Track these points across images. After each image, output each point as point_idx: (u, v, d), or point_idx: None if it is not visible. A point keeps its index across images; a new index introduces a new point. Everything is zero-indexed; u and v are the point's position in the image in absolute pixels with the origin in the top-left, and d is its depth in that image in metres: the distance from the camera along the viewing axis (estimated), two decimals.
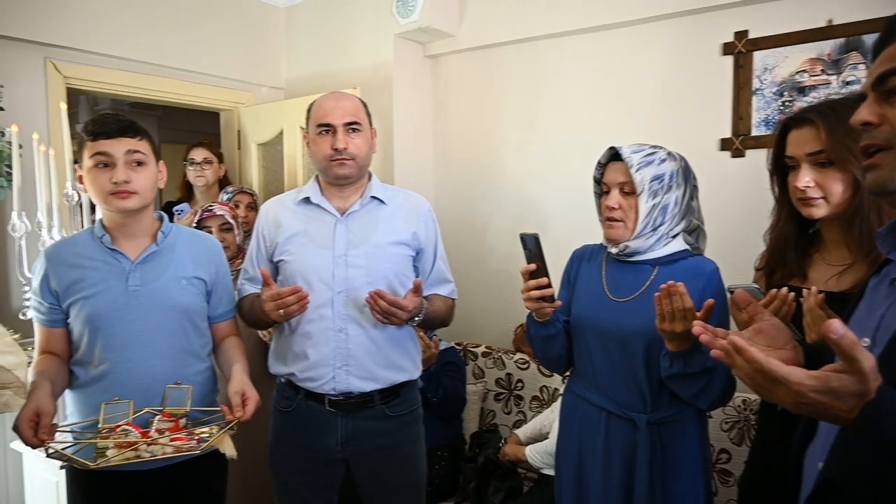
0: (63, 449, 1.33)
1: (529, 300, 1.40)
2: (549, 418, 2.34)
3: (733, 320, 1.26)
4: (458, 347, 2.76)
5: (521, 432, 2.41)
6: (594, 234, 1.62)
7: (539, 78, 2.80)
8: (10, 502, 2.32)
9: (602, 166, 1.50)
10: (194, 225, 2.13)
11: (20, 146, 2.16)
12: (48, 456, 1.33)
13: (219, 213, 2.18)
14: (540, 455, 2.09)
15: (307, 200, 1.69)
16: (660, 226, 1.42)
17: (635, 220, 1.42)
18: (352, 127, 1.64)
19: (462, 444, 2.58)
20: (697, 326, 0.89)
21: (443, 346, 2.54)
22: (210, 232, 2.13)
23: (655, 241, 1.43)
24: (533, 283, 1.37)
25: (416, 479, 1.75)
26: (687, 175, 1.45)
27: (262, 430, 1.75)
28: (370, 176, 1.74)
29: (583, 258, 1.60)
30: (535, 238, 1.37)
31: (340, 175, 1.64)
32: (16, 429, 1.30)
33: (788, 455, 0.97)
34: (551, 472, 2.11)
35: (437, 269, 1.76)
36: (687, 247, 1.47)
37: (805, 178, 1.27)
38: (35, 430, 1.29)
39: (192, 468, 1.53)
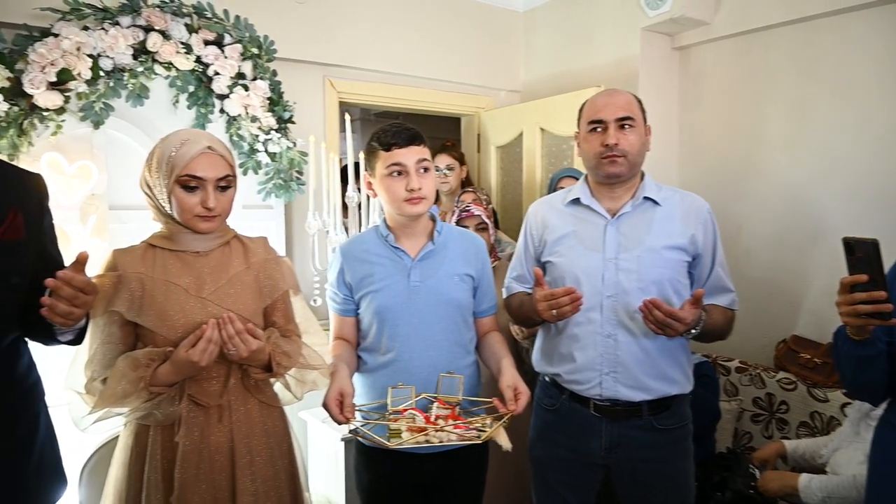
0: (362, 426, 1.48)
1: (853, 315, 1.21)
2: (828, 448, 2.04)
3: None
4: (707, 359, 2.55)
5: (790, 445, 2.15)
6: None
7: (814, 62, 2.46)
8: None
9: None
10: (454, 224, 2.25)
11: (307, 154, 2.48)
12: (350, 432, 1.49)
13: (476, 213, 2.28)
14: (823, 492, 1.82)
15: (577, 201, 1.67)
16: None
17: None
18: (624, 123, 1.57)
19: (714, 464, 2.38)
20: None
21: (695, 359, 2.36)
22: None
23: None
24: (864, 295, 1.18)
25: (683, 500, 1.64)
26: None
27: (521, 423, 1.77)
28: (643, 175, 1.66)
29: None
30: (874, 244, 1.18)
31: (610, 173, 1.59)
32: (325, 406, 1.47)
33: None
34: None
35: (715, 276, 1.62)
36: None
37: None
38: (340, 409, 1.45)
39: (462, 454, 1.61)
